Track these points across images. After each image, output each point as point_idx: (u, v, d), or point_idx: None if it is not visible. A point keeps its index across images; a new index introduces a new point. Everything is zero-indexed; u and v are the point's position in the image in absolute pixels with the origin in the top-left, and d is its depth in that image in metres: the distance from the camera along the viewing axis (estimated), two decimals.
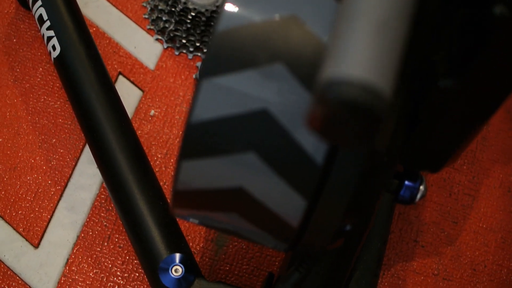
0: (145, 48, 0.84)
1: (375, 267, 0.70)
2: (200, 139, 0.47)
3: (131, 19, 0.85)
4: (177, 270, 0.65)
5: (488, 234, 0.78)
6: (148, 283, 0.68)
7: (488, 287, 0.76)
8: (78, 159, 0.78)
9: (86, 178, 0.77)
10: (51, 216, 0.76)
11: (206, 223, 0.54)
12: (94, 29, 0.84)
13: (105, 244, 0.74)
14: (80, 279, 0.73)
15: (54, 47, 0.74)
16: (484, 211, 0.79)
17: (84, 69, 0.73)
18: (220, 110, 0.46)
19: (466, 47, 0.46)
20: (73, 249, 0.74)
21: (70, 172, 0.77)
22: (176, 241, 0.67)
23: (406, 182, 0.59)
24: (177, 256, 0.65)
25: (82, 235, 0.75)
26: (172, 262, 0.65)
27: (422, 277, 0.76)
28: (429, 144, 0.54)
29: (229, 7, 0.46)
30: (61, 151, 0.78)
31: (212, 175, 0.48)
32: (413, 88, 0.51)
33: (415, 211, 0.78)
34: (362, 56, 0.35)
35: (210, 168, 0.48)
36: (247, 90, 0.45)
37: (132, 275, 0.73)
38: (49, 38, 0.74)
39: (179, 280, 0.64)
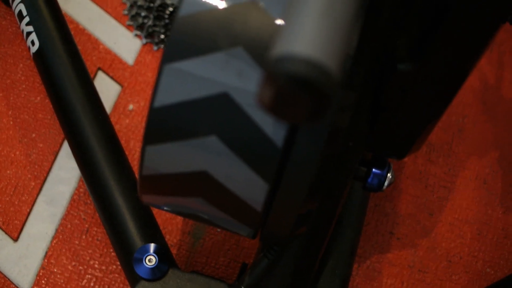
0: (125, 43, 0.85)
1: (348, 258, 0.70)
2: (163, 124, 0.48)
3: (110, 15, 0.86)
4: (150, 260, 0.65)
5: (464, 226, 0.79)
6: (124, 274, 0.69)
7: (463, 278, 0.77)
8: (57, 153, 0.79)
9: (65, 172, 0.78)
10: (30, 210, 0.76)
11: (175, 210, 0.55)
12: (74, 25, 0.85)
13: (83, 237, 0.75)
14: (59, 272, 0.74)
15: (33, 42, 0.75)
16: (460, 203, 0.80)
17: (63, 63, 0.73)
18: (181, 95, 0.47)
19: (424, 32, 0.47)
20: (51, 242, 0.75)
21: (49, 166, 0.78)
22: (151, 232, 0.68)
23: (374, 170, 0.59)
24: (151, 246, 0.66)
25: (61, 228, 0.76)
26: (146, 252, 0.66)
27: (397, 269, 0.77)
28: (393, 130, 0.55)
29: None
30: (41, 145, 0.79)
31: (176, 159, 0.49)
32: (375, 72, 0.51)
33: (390, 203, 0.79)
34: (308, 34, 0.36)
35: (174, 152, 0.48)
36: (208, 75, 0.46)
37: (110, 268, 0.74)
38: (28, 33, 0.75)
39: (153, 269, 0.65)
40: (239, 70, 0.46)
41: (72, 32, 0.82)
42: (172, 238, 0.76)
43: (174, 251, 0.75)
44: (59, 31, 0.75)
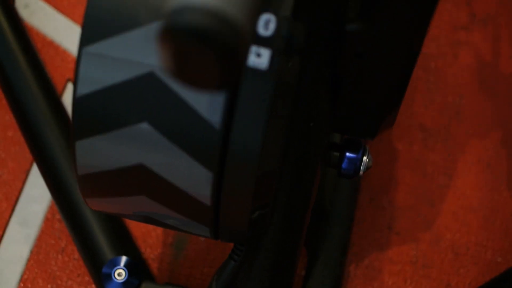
0: None
1: (339, 255, 0.65)
2: (89, 115, 0.43)
3: (79, 25, 0.83)
4: (120, 274, 0.61)
5: (469, 214, 0.73)
6: None
7: (472, 270, 0.70)
8: (29, 171, 0.75)
9: (38, 190, 0.74)
10: (3, 232, 0.72)
11: (124, 214, 0.50)
12: (41, 37, 0.82)
13: (60, 257, 0.71)
14: None
15: None
16: (463, 190, 0.74)
17: (24, 77, 0.70)
18: (104, 80, 0.42)
19: None
20: (27, 264, 0.71)
21: (21, 185, 0.74)
22: (122, 244, 0.63)
23: (347, 154, 0.54)
24: (121, 259, 0.61)
25: (36, 249, 0.71)
26: (115, 265, 0.61)
27: (399, 266, 0.70)
28: (357, 105, 0.49)
29: None
30: (11, 164, 0.75)
31: (109, 154, 0.44)
32: (330, 46, 0.46)
33: (387, 196, 0.73)
34: None
35: (105, 145, 0.44)
36: (131, 54, 0.41)
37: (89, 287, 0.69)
38: None
39: (123, 284, 0.60)
40: None
41: (39, 45, 0.79)
42: (153, 251, 0.71)
43: (156, 264, 0.70)
44: (19, 43, 0.72)
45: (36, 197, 0.74)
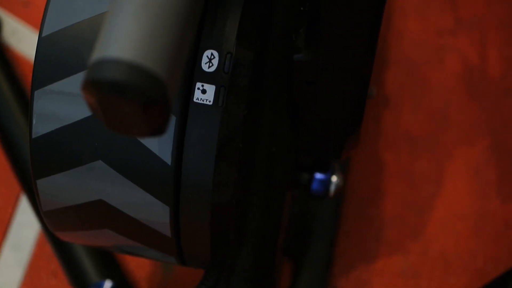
0: None
1: (323, 272, 0.65)
2: (46, 155, 0.44)
3: None
4: None
5: (458, 222, 0.72)
6: None
7: (463, 279, 0.70)
8: (20, 197, 0.76)
9: (30, 215, 0.75)
10: None
11: (93, 245, 0.51)
12: (29, 64, 0.82)
13: (51, 280, 0.72)
14: None
15: None
16: (452, 197, 0.73)
17: (7, 104, 0.71)
18: (58, 120, 0.43)
19: (312, 19, 0.43)
20: None
21: (12, 211, 0.75)
22: (106, 267, 0.64)
23: (317, 175, 0.54)
24: (105, 283, 0.62)
25: (29, 273, 0.72)
26: None
27: (388, 278, 0.70)
28: (316, 128, 0.49)
29: (52, 11, 0.43)
30: (3, 190, 0.76)
31: (69, 191, 0.45)
32: (282, 74, 0.47)
33: (374, 207, 0.73)
34: (122, 35, 0.31)
35: (65, 183, 0.45)
36: (79, 94, 0.42)
37: None
38: None
39: None
40: None
41: (28, 72, 0.79)
42: (142, 271, 0.71)
43: (145, 285, 0.71)
44: (2, 72, 0.73)
45: (28, 221, 0.75)
